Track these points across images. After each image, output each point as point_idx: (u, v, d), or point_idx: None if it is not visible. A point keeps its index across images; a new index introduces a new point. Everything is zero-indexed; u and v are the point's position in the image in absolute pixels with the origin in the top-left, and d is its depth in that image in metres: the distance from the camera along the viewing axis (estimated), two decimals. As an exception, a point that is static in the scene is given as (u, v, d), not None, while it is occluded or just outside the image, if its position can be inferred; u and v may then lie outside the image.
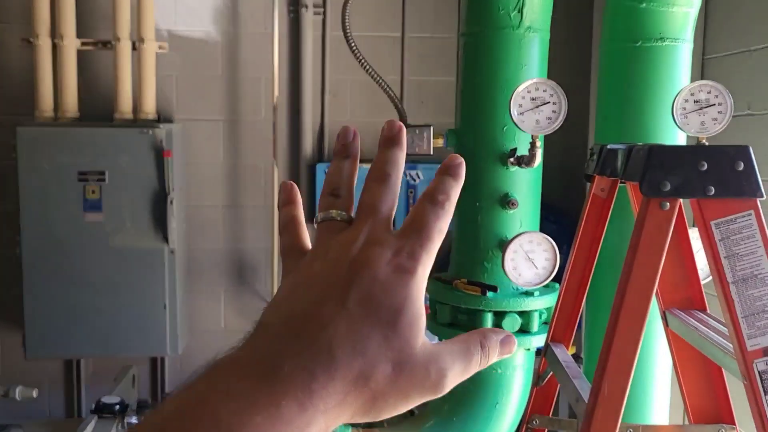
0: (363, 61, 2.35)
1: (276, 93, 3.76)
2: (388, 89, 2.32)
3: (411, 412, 2.31)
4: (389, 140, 0.56)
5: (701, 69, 2.83)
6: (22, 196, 3.30)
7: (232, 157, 3.89)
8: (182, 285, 3.65)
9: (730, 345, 1.24)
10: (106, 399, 2.05)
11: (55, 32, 3.37)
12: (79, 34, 3.46)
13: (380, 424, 2.28)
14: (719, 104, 1.70)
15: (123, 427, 2.03)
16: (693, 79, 1.98)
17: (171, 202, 3.40)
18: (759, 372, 1.22)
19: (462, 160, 0.55)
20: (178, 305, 3.55)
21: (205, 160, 3.86)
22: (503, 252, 1.87)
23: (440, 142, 2.09)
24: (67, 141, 3.35)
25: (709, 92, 1.69)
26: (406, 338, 0.47)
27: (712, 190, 1.16)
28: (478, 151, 2.03)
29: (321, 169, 3.78)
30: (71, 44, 3.39)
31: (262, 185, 3.91)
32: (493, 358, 0.52)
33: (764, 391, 1.16)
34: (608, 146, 1.42)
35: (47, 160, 3.33)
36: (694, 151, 1.18)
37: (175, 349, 3.54)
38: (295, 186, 0.60)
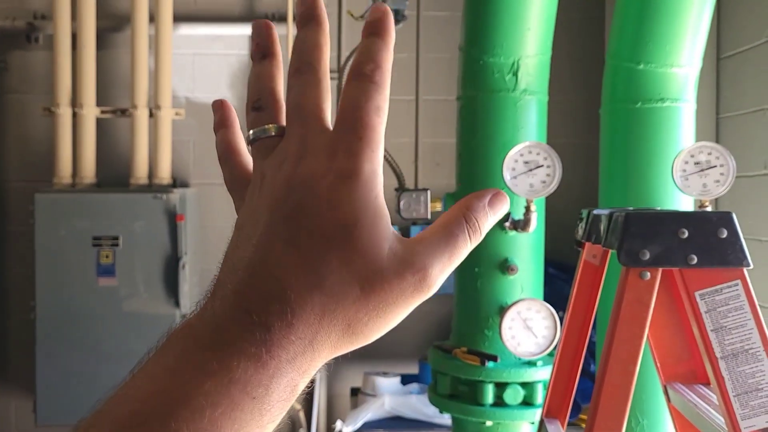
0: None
1: (290, 157, 3.79)
2: (386, 155, 2.31)
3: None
4: (305, 17, 0.45)
5: (716, 129, 2.76)
6: (38, 261, 3.34)
7: (248, 220, 3.90)
8: (194, 350, 3.61)
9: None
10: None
11: (75, 101, 3.49)
12: (99, 102, 3.57)
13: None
14: (721, 165, 1.63)
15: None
16: (707, 140, 1.92)
17: (183, 267, 3.41)
18: (758, 457, 1.12)
19: (387, 9, 0.44)
20: (189, 371, 3.50)
21: (220, 224, 3.88)
22: (500, 320, 1.79)
23: (438, 206, 2.05)
24: (83, 207, 3.41)
25: (709, 154, 1.64)
26: (366, 251, 0.41)
27: (695, 259, 1.09)
28: (476, 215, 1.98)
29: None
30: (91, 113, 3.50)
31: (276, 248, 3.90)
32: (486, 226, 0.44)
33: (764, 479, 1.06)
34: (594, 211, 1.36)
35: (63, 225, 3.38)
36: (674, 217, 1.11)
37: (184, 416, 3.47)
38: (227, 104, 0.52)
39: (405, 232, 3.80)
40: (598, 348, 2.10)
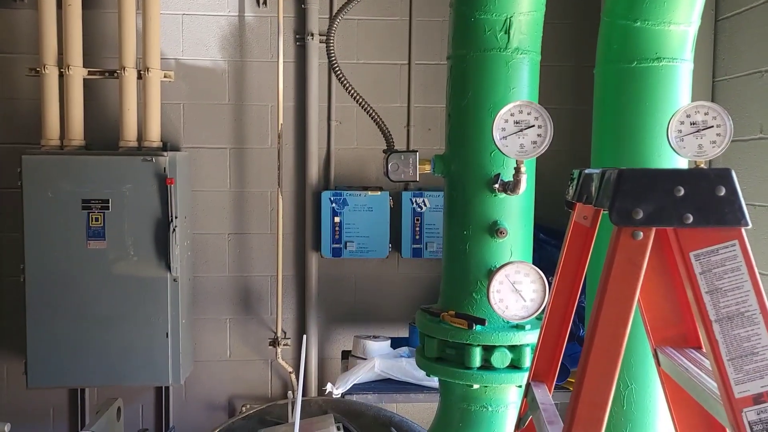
0: (350, 87, 2.30)
1: (281, 120, 3.73)
2: (373, 114, 2.27)
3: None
4: None
5: (711, 91, 2.71)
6: (27, 224, 3.31)
7: (239, 185, 3.86)
8: (186, 314, 3.61)
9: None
10: (82, 433, 2.00)
11: (62, 62, 3.41)
12: (86, 64, 3.49)
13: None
14: (717, 126, 1.59)
15: (97, 463, 1.97)
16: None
17: (174, 230, 3.38)
18: (749, 423, 1.10)
19: None
20: (181, 334, 3.50)
21: (212, 188, 3.84)
22: (488, 283, 1.77)
23: (427, 167, 2.01)
24: (71, 169, 3.36)
25: (706, 113, 1.59)
26: None
27: (690, 218, 1.05)
28: (466, 178, 1.95)
29: (326, 196, 3.73)
30: (78, 73, 3.42)
31: (268, 213, 3.87)
32: None
33: (753, 443, 1.04)
34: (585, 171, 1.33)
35: (52, 188, 3.34)
36: (669, 175, 1.08)
37: (177, 379, 3.48)
38: None
39: (396, 198, 3.77)
40: (587, 312, 2.09)
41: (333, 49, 2.23)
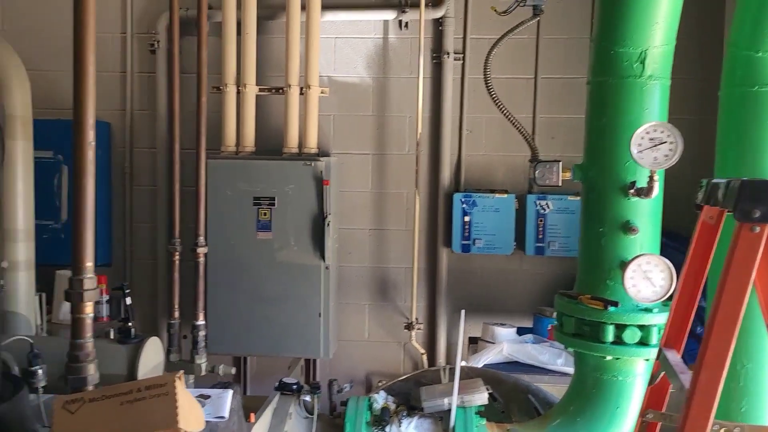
0: (498, 102, 2.73)
1: (420, 130, 4.22)
2: (520, 127, 2.68)
3: (537, 412, 2.60)
4: None
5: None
6: (209, 217, 3.96)
7: (379, 186, 4.39)
8: (334, 298, 4.16)
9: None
10: (287, 379, 2.52)
11: (239, 81, 4.05)
12: (256, 82, 4.12)
13: (509, 420, 2.59)
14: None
15: (300, 404, 2.49)
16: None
17: (328, 225, 3.93)
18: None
19: None
20: (330, 315, 4.05)
21: (355, 189, 4.38)
22: (623, 271, 2.15)
23: (568, 175, 2.41)
24: (245, 171, 3.99)
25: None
26: None
27: (797, 218, 1.41)
28: (602, 183, 2.33)
29: (458, 197, 4.18)
30: (252, 91, 4.05)
31: (404, 211, 4.37)
32: None
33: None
34: (712, 181, 1.69)
35: (229, 187, 3.98)
36: (781, 184, 1.44)
37: (327, 353, 4.04)
38: None
39: (521, 200, 4.14)
40: (706, 313, 2.41)
41: (489, 72, 2.66)
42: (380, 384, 4.20)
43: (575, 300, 2.37)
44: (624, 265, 2.19)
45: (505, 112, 2.76)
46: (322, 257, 3.97)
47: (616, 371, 2.33)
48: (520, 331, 3.88)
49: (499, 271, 4.32)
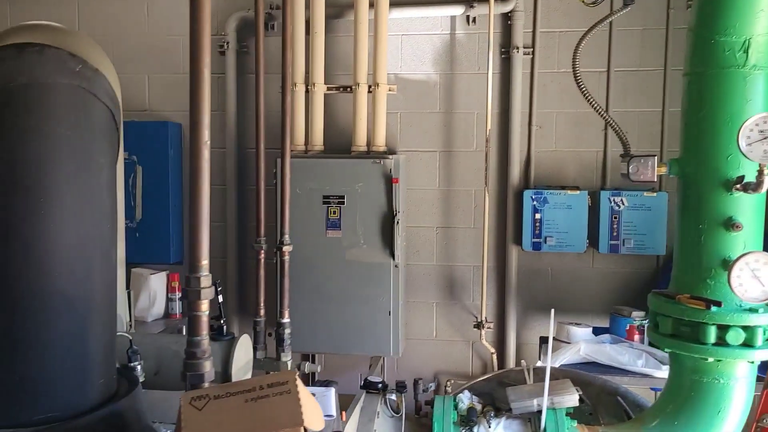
0: (588, 96, 2.66)
1: (489, 126, 4.16)
2: (612, 122, 2.60)
3: (627, 414, 2.52)
4: None
5: None
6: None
7: (446, 183, 4.34)
8: (402, 296, 4.14)
9: None
10: (372, 378, 2.51)
11: (308, 80, 4.06)
12: (324, 81, 4.12)
13: (597, 422, 2.52)
14: None
15: (386, 402, 2.48)
16: None
17: (397, 223, 3.91)
18: None
19: None
20: (400, 314, 4.03)
21: (423, 187, 4.35)
22: (729, 270, 2.06)
23: (663, 170, 2.32)
24: (314, 170, 4.00)
25: None
26: None
27: None
28: (701, 178, 2.23)
29: (528, 194, 4.10)
30: (320, 90, 4.06)
31: (472, 209, 4.32)
32: None
33: None
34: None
35: (299, 185, 4.00)
36: None
37: (396, 352, 4.02)
38: None
39: (594, 196, 4.03)
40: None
41: (578, 66, 2.59)
42: (449, 383, 4.16)
43: (673, 300, 2.28)
44: (728, 263, 2.10)
45: (595, 105, 2.69)
46: (392, 255, 3.95)
47: (716, 374, 2.24)
48: (596, 331, 3.79)
49: (571, 269, 4.23)
